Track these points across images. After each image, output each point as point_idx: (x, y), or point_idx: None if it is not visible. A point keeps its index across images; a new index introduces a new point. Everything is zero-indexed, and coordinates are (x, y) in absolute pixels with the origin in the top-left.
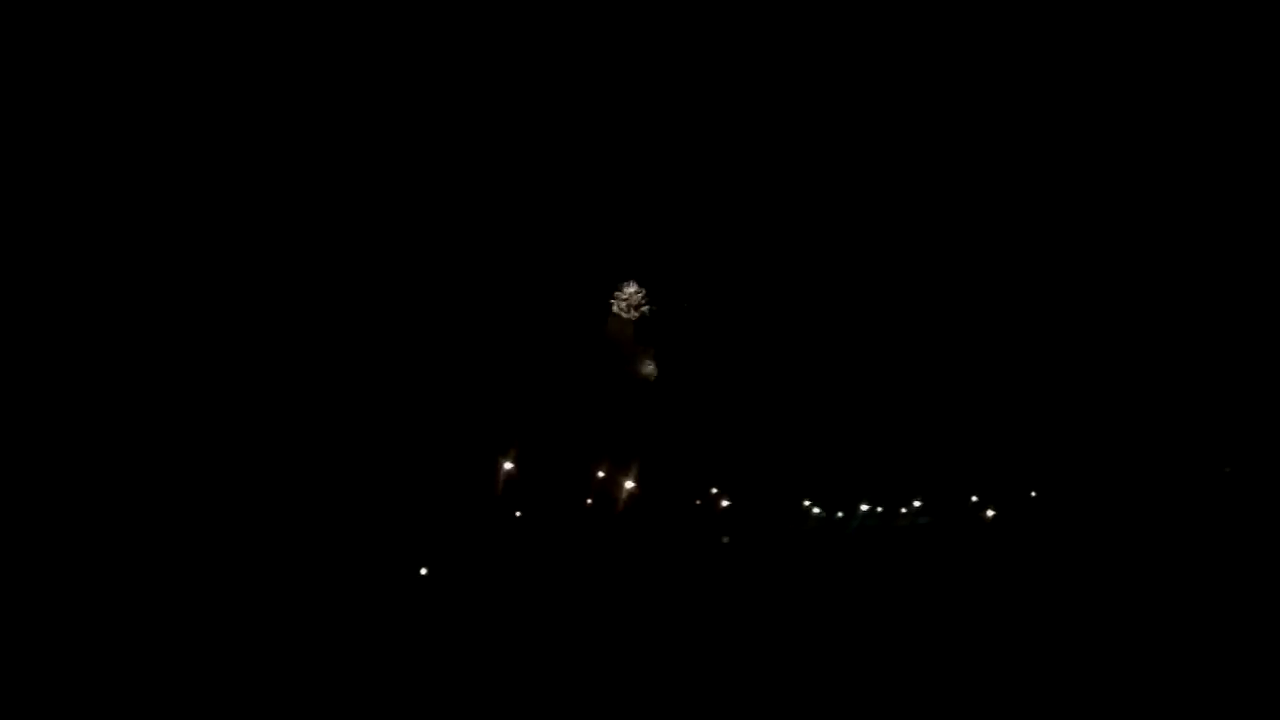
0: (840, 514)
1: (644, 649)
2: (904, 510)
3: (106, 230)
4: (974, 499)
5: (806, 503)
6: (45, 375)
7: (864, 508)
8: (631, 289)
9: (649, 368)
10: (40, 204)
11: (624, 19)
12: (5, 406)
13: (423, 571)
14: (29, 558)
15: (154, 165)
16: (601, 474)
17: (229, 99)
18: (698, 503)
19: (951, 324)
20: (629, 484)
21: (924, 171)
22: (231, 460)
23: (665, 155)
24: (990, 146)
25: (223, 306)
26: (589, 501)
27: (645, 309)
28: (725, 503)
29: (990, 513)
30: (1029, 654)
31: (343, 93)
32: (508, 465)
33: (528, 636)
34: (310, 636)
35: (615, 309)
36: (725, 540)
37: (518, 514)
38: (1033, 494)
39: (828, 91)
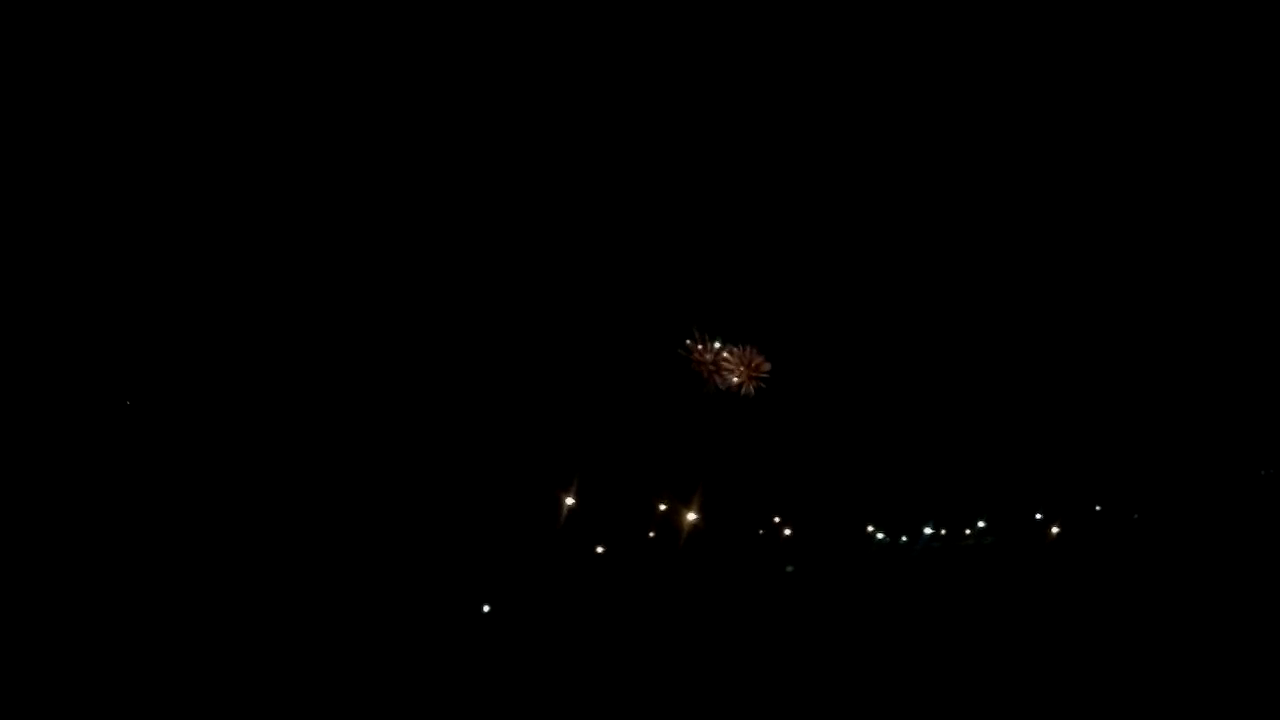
0: (904, 538)
1: (711, 679)
2: (968, 531)
3: (106, 230)
4: (1038, 516)
5: (870, 528)
6: (45, 375)
7: (928, 530)
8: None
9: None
10: (40, 204)
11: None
12: (5, 407)
13: (485, 609)
14: (29, 558)
15: (153, 165)
16: (663, 506)
17: (229, 99)
18: (760, 532)
19: (1009, 344)
20: (691, 515)
21: (982, 198)
22: (272, 489)
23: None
24: (1055, 188)
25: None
26: (651, 535)
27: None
28: (788, 531)
29: (1055, 529)
30: (1099, 674)
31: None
32: (569, 500)
33: (591, 670)
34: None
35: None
36: (789, 569)
37: (578, 547)
38: (1097, 508)
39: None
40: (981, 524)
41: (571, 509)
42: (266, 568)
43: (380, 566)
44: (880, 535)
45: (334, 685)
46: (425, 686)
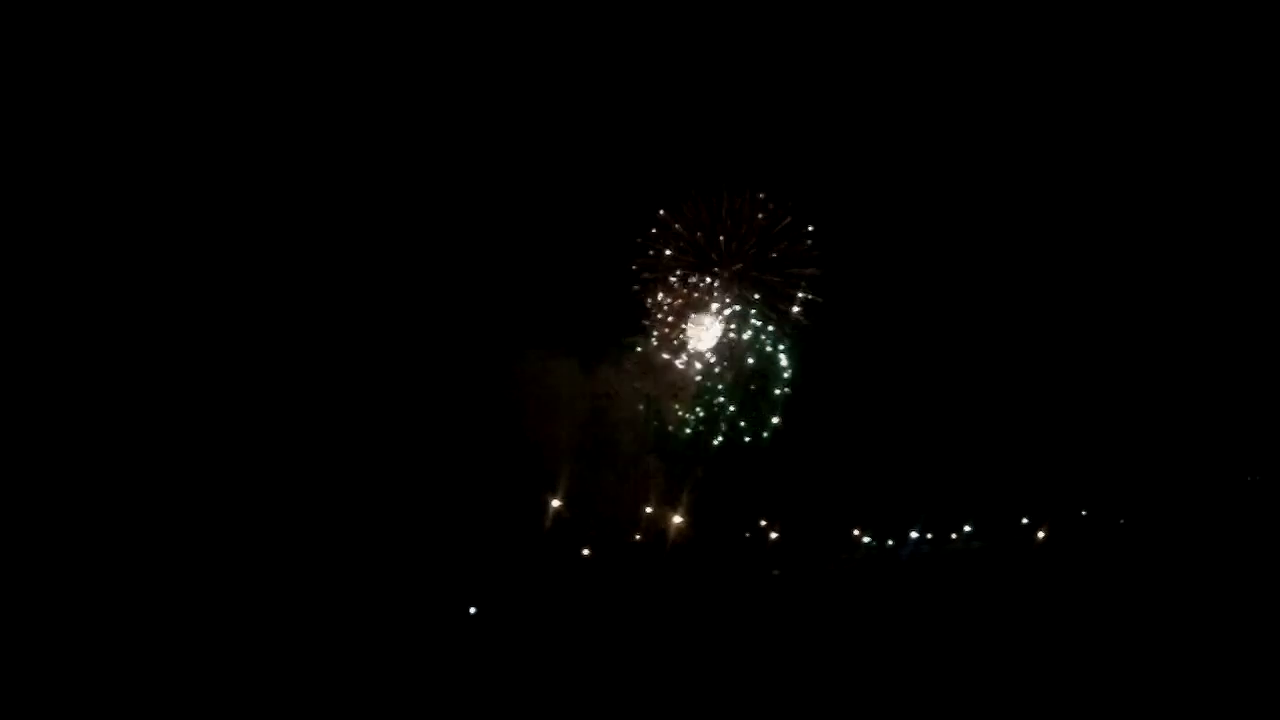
0: (891, 542)
1: (697, 684)
2: (954, 535)
3: (107, 230)
4: (1024, 521)
5: (856, 531)
6: (45, 376)
7: (914, 535)
8: None
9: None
10: (40, 204)
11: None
12: (6, 407)
13: (472, 610)
14: (29, 558)
15: (153, 165)
16: (650, 509)
17: (229, 99)
18: (747, 535)
19: (994, 347)
20: (677, 519)
21: (976, 196)
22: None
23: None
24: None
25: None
26: (638, 537)
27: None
28: (774, 535)
29: (1041, 534)
30: (1086, 677)
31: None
32: (555, 502)
33: (578, 673)
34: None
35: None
36: (776, 573)
37: (567, 550)
38: (1083, 513)
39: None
40: (968, 528)
41: (558, 511)
42: (253, 570)
43: (368, 568)
44: (867, 539)
45: (322, 684)
46: (413, 686)
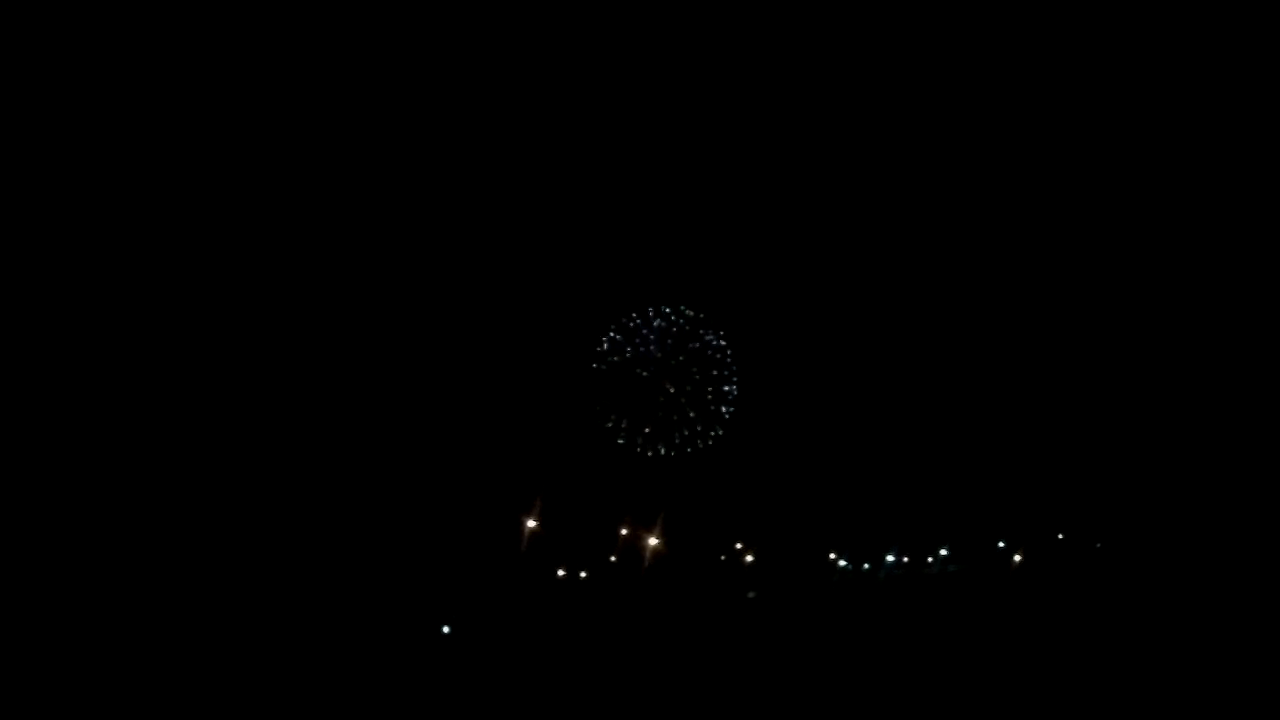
0: (867, 565)
1: (673, 705)
2: (930, 559)
3: (107, 230)
4: (1001, 544)
5: (832, 555)
6: (45, 376)
7: (890, 558)
8: None
9: None
10: (40, 204)
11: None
12: (6, 407)
13: (445, 630)
14: (29, 558)
15: (154, 165)
16: (625, 531)
17: (229, 99)
18: (722, 558)
19: (970, 371)
20: (653, 541)
21: (962, 223)
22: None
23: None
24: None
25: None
26: (613, 559)
27: None
28: (750, 557)
29: (1018, 557)
30: (1061, 699)
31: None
32: (531, 523)
33: (553, 693)
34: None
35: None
36: (751, 595)
37: (543, 571)
38: (1060, 536)
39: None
40: (944, 552)
41: (533, 532)
42: (228, 585)
43: (344, 583)
44: (843, 563)
45: (296, 701)
46: (386, 703)
